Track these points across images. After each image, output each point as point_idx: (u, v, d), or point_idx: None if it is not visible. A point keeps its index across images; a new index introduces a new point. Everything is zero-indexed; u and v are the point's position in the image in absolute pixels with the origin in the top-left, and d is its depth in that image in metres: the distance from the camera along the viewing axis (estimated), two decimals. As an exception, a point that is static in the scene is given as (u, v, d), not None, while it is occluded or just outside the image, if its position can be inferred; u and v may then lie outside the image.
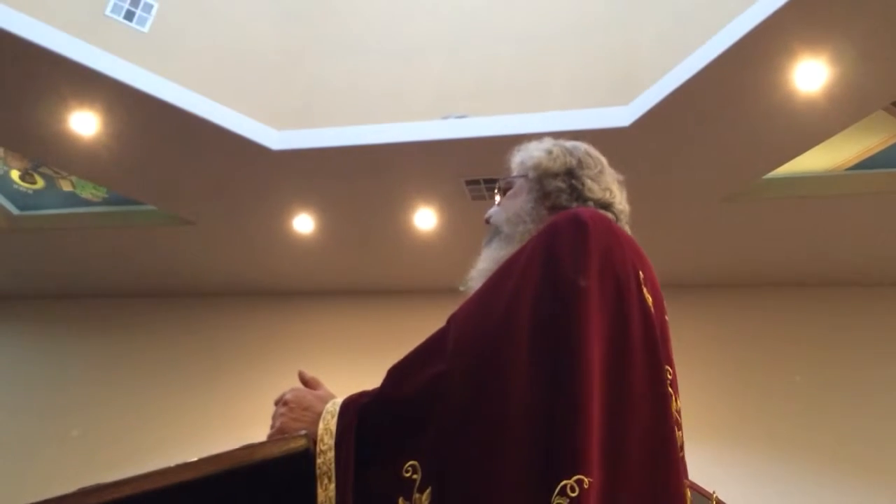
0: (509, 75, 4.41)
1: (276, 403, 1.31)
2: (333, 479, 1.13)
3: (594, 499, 1.02)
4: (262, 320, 5.55)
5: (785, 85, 3.60)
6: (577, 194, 1.50)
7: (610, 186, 1.55)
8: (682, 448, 1.25)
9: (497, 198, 1.63)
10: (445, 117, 4.24)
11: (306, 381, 1.37)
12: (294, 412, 1.26)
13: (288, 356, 5.28)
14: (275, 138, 4.33)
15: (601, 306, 1.15)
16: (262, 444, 1.18)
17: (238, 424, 4.67)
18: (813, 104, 3.67)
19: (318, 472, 1.14)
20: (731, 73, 3.59)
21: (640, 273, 1.28)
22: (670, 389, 1.24)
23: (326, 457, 1.15)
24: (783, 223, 4.50)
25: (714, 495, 4.51)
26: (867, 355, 4.70)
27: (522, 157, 1.60)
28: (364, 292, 5.49)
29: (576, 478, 1.01)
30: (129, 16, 4.13)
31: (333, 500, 1.12)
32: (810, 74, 3.53)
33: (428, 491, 1.06)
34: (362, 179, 4.49)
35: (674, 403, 1.24)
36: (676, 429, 1.23)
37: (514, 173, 1.60)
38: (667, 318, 1.35)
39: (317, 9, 4.74)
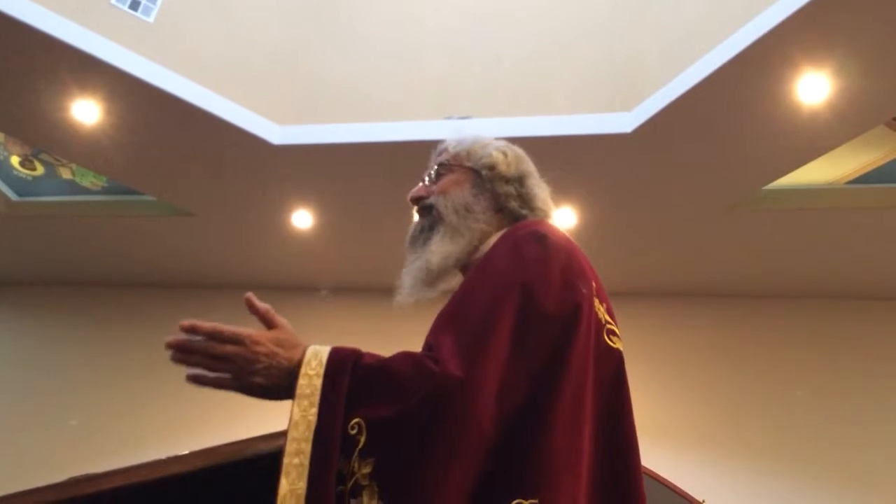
0: (513, 78, 4.41)
1: (215, 335, 1.17)
2: (316, 404, 1.10)
3: None
4: (258, 314, 5.54)
5: (788, 96, 3.60)
6: (526, 202, 1.49)
7: (547, 197, 1.54)
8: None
9: (428, 178, 1.56)
10: (448, 118, 4.24)
11: (258, 312, 1.24)
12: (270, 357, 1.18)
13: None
14: (276, 133, 4.32)
15: (573, 329, 1.19)
16: (252, 439, 1.18)
17: (234, 416, 4.66)
18: (815, 117, 3.67)
19: (297, 392, 1.10)
20: (734, 83, 3.59)
21: (593, 284, 1.30)
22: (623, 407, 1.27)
23: (312, 381, 1.12)
24: (782, 234, 4.50)
25: (703, 504, 4.47)
26: (862, 368, 4.71)
27: (468, 148, 1.55)
28: (362, 289, 5.48)
29: (531, 501, 1.03)
30: (135, 5, 4.13)
31: (313, 424, 1.08)
32: (813, 87, 3.53)
33: (371, 461, 1.05)
34: (362, 177, 4.49)
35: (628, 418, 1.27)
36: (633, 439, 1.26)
37: (453, 160, 1.54)
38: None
39: (323, 5, 4.74)
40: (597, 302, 1.28)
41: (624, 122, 3.98)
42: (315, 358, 1.15)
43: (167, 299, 5.66)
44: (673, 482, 4.43)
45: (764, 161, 4.04)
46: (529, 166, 1.54)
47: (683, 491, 4.41)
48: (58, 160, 4.90)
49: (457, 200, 1.46)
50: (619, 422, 1.24)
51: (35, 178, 5.10)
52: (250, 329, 1.19)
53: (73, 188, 5.13)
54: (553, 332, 1.17)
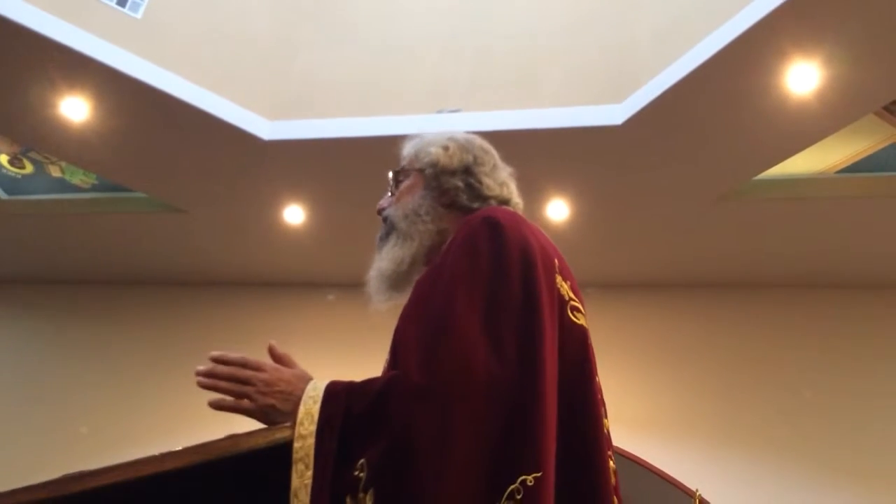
0: (504, 70, 4.40)
1: (242, 365, 1.26)
2: (311, 467, 1.12)
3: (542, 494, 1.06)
4: (251, 310, 5.53)
5: (778, 87, 3.61)
6: (476, 192, 1.50)
7: (505, 181, 1.55)
8: (608, 432, 1.30)
9: (390, 189, 1.62)
10: (439, 111, 4.24)
11: (278, 357, 1.33)
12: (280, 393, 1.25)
13: (276, 347, 5.26)
14: (267, 128, 4.31)
15: (539, 307, 1.20)
16: (247, 434, 1.18)
17: (226, 414, 4.66)
18: (805, 106, 3.68)
19: (294, 455, 1.12)
20: (724, 73, 3.60)
21: (556, 261, 1.32)
22: (596, 379, 1.30)
23: (306, 442, 1.14)
24: (773, 224, 4.52)
25: (697, 493, 4.53)
26: (853, 356, 4.73)
27: (417, 150, 1.58)
28: (354, 285, 5.47)
29: (521, 479, 1.05)
30: (122, 2, 4.10)
31: (309, 488, 1.11)
32: (803, 76, 3.54)
33: (371, 491, 1.07)
34: (354, 172, 4.48)
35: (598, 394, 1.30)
36: (602, 415, 1.29)
37: (407, 164, 1.59)
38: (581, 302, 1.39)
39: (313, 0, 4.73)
40: (559, 279, 1.30)
41: (614, 113, 3.98)
42: (307, 417, 1.17)
43: (159, 296, 5.65)
44: (666, 472, 4.46)
45: (754, 151, 4.05)
46: (477, 154, 1.54)
47: (677, 480, 4.44)
48: (47, 158, 4.87)
49: (406, 207, 1.53)
50: (582, 396, 1.26)
51: (24, 176, 5.07)
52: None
53: (63, 186, 5.10)
54: (521, 314, 1.18)
